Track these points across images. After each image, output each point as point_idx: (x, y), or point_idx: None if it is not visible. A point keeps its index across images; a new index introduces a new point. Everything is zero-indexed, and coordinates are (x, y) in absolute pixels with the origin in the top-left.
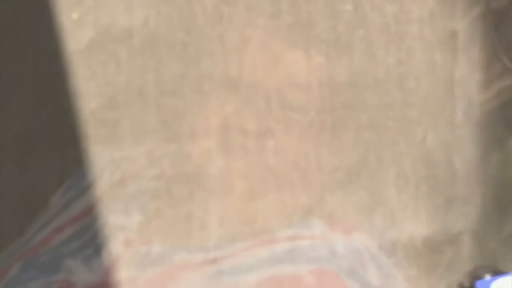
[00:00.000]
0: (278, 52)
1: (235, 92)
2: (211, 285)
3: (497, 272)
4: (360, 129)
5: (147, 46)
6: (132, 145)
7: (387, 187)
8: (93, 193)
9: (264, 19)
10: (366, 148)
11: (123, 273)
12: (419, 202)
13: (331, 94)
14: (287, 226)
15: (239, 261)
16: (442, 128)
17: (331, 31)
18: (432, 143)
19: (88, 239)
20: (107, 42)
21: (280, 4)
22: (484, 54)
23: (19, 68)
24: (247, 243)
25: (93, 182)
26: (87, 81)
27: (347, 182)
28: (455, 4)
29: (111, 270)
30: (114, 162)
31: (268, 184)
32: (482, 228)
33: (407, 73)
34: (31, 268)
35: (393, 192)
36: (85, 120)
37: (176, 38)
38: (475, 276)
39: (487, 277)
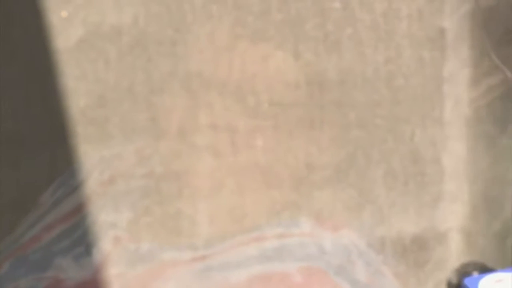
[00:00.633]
0: (267, 50)
1: (224, 89)
2: (200, 281)
3: (486, 269)
4: (349, 126)
5: (136, 45)
6: (121, 144)
7: (376, 185)
8: (83, 191)
9: (253, 17)
10: (355, 145)
11: (113, 270)
12: (408, 199)
13: (319, 92)
14: (276, 223)
15: (228, 258)
16: (431, 126)
17: (320, 28)
18: (421, 140)
19: (78, 237)
20: (97, 41)
21: (270, 2)
22: (473, 52)
23: (9, 67)
24: (236, 241)
25: (83, 180)
26: (76, 79)
27: (335, 180)
28: (444, 1)
29: (101, 267)
30: (104, 160)
31: (257, 182)
32: (471, 225)
33: (396, 71)
34: (21, 266)
35: (382, 189)
36: (74, 118)
37: (166, 36)
38: (464, 273)
39: (476, 274)
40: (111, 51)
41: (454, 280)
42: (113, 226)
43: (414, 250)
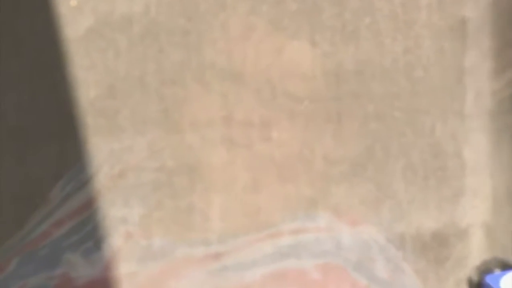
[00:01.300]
0: (283, 40)
1: (238, 81)
2: (215, 281)
3: (508, 266)
4: (367, 119)
5: (147, 34)
6: (132, 136)
7: (395, 179)
8: (93, 185)
9: (268, 6)
10: (373, 138)
11: (124, 267)
12: (428, 194)
13: (336, 83)
14: (292, 219)
15: (243, 256)
16: (451, 118)
17: (337, 18)
18: (441, 133)
19: (88, 232)
20: (107, 30)
21: None
22: (495, 42)
23: (17, 58)
24: (250, 237)
25: (93, 174)
26: (85, 70)
27: (353, 174)
28: None
29: (111, 264)
30: (114, 153)
31: (272, 176)
32: (493, 221)
33: (415, 61)
34: (30, 262)
35: (401, 184)
36: (83, 110)
37: (177, 26)
38: (485, 270)
39: (497, 271)
40: (121, 41)
41: (475, 278)
42: (124, 221)
43: (434, 247)
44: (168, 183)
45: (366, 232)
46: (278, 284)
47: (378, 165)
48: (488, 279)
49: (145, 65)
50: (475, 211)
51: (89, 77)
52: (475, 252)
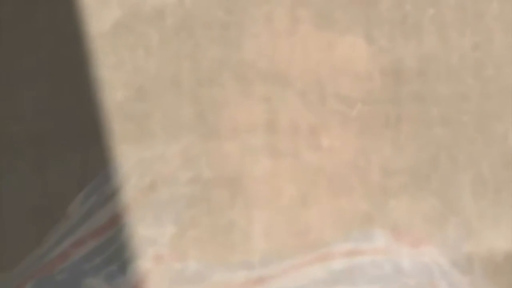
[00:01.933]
0: (334, 34)
1: (283, 81)
2: None
3: None
4: (430, 124)
5: (181, 28)
6: (164, 143)
7: (462, 193)
8: (119, 199)
9: None
10: (438, 146)
11: None
12: (500, 210)
13: (395, 84)
14: (345, 238)
15: (289, 281)
16: None
17: (397, 9)
18: None
19: (112, 254)
20: (136, 24)
21: None
22: None
23: (34, 56)
24: (298, 260)
25: (119, 187)
26: (112, 69)
27: (414, 187)
28: None
29: None
30: (144, 163)
31: (322, 189)
32: None
33: (486, 59)
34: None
35: (469, 198)
36: (109, 114)
37: (216, 19)
38: None
39: None
40: (152, 36)
41: None
42: (153, 242)
43: (508, 270)
44: (204, 197)
45: (428, 254)
46: None
47: (443, 177)
48: None
49: (179, 63)
50: None
51: (116, 77)
52: None
